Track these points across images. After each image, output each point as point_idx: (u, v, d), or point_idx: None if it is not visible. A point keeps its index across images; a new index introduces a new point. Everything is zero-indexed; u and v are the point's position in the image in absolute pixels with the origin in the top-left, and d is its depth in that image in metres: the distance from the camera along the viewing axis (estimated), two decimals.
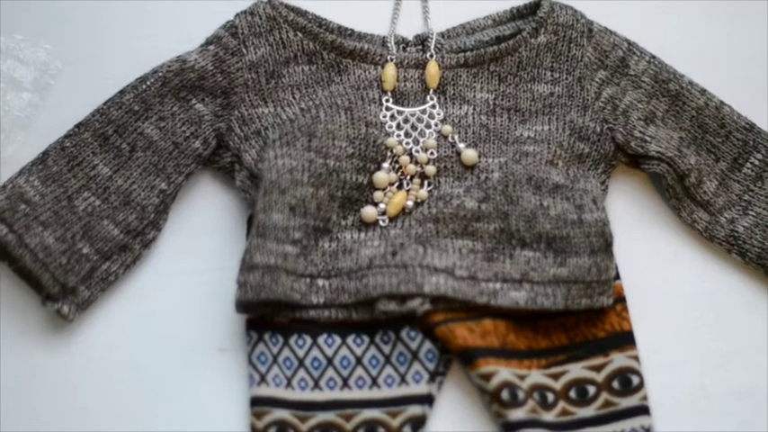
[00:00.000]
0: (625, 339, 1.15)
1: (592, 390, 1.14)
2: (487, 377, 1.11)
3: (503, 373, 1.12)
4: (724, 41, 1.31)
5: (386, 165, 1.19)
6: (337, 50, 1.22)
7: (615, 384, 1.14)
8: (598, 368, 1.14)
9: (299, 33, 1.22)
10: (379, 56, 1.22)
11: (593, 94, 1.22)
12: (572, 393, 1.14)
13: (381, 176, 1.18)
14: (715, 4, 1.33)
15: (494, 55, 1.23)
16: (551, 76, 1.23)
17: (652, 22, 1.31)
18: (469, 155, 1.19)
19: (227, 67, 1.21)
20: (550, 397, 1.13)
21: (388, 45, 1.24)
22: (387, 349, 1.15)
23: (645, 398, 1.13)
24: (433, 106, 1.22)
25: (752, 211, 1.22)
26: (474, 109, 1.22)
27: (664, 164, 1.21)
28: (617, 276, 1.18)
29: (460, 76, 1.23)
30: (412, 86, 1.22)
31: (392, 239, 1.16)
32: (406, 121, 1.21)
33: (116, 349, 1.16)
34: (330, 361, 1.14)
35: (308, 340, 1.15)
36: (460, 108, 1.22)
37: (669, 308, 1.19)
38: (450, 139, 1.21)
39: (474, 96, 1.22)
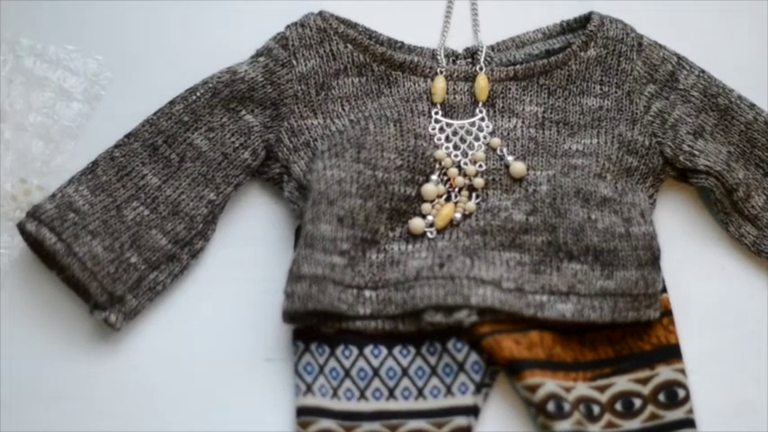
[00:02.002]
0: (672, 352, 1.15)
1: (638, 402, 1.14)
2: (533, 389, 1.11)
3: (549, 384, 1.12)
4: None
5: (434, 177, 1.19)
6: (387, 63, 1.22)
7: (661, 397, 1.13)
8: (644, 381, 1.14)
9: (349, 45, 1.23)
10: (428, 68, 1.22)
11: (643, 107, 1.22)
12: (618, 406, 1.14)
13: (430, 188, 1.18)
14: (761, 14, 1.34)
15: (543, 68, 1.23)
16: (600, 89, 1.23)
17: (698, 36, 1.31)
18: (518, 168, 1.19)
19: (277, 79, 1.21)
20: (596, 409, 1.13)
21: (438, 58, 1.25)
22: (433, 360, 1.15)
23: (691, 411, 1.13)
24: (482, 119, 1.22)
25: None
26: (523, 122, 1.22)
27: (712, 178, 1.21)
28: (664, 290, 1.18)
29: (510, 89, 1.23)
30: (461, 99, 1.22)
31: (440, 251, 1.16)
32: (454, 133, 1.21)
33: (163, 358, 1.17)
34: (376, 372, 1.15)
35: (355, 351, 1.15)
36: (509, 121, 1.22)
37: (716, 322, 1.19)
38: (498, 151, 1.21)
39: (523, 109, 1.22)
